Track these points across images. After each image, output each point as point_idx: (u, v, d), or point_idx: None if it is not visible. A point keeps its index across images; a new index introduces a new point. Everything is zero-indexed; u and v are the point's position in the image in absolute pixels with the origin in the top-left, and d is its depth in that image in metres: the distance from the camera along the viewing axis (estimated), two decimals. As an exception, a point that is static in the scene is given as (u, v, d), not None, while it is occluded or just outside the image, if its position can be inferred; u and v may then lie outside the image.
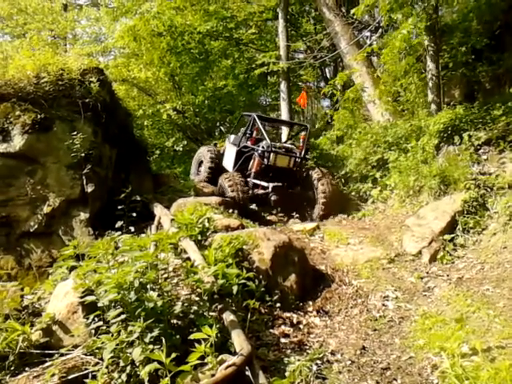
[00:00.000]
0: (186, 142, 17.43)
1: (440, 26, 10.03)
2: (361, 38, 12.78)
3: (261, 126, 10.05)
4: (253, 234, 5.63)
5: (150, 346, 3.34)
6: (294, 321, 4.77)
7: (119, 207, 6.46)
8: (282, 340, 4.34)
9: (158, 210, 7.07)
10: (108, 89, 8.34)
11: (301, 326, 4.71)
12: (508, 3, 9.79)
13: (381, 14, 9.63)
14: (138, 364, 3.31)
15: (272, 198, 9.20)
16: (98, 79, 7.63)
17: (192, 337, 3.46)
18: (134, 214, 6.56)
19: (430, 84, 9.61)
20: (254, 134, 10.61)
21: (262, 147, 9.70)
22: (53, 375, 3.53)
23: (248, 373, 3.31)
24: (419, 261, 6.41)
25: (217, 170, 11.03)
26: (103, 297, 3.72)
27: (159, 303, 3.65)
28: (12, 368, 3.78)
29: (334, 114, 12.08)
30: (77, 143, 6.89)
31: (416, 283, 5.77)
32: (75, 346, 3.93)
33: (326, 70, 21.24)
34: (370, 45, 11.82)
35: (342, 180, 10.06)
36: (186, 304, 4.02)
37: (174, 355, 3.18)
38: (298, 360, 3.84)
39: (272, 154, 9.38)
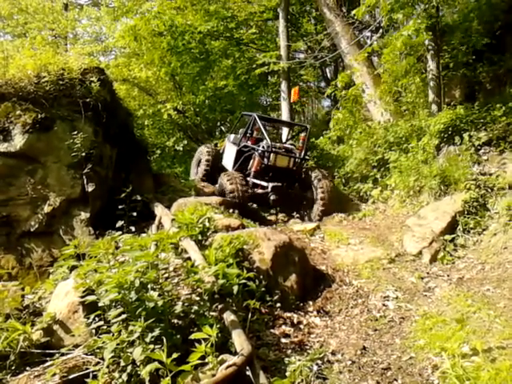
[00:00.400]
0: (186, 142, 17.44)
1: (441, 26, 10.03)
2: (361, 38, 12.79)
3: (261, 126, 10.06)
4: (253, 233, 5.63)
5: (151, 346, 3.35)
6: (295, 321, 4.77)
7: (120, 207, 6.47)
8: (283, 340, 4.33)
9: (159, 209, 7.07)
10: (109, 88, 8.34)
11: (301, 326, 4.71)
12: (508, 3, 9.79)
13: (381, 14, 9.63)
14: (138, 364, 3.32)
15: (271, 198, 9.25)
16: (99, 79, 7.64)
17: (193, 336, 3.46)
18: (135, 214, 6.57)
19: (431, 84, 9.61)
20: (255, 134, 10.64)
21: (263, 147, 9.73)
22: (54, 375, 3.54)
23: (249, 373, 3.32)
24: (420, 261, 6.42)
25: (214, 169, 11.12)
26: (104, 296, 3.72)
27: (160, 303, 3.65)
28: (13, 367, 3.79)
29: (334, 114, 12.07)
30: (77, 143, 6.90)
31: (416, 283, 5.77)
32: (76, 346, 3.94)
33: (327, 70, 21.27)
34: (371, 45, 11.80)
35: (343, 180, 10.07)
36: (186, 304, 4.02)
37: (174, 355, 3.18)
38: (299, 360, 3.84)
39: (272, 154, 9.42)
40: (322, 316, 5.02)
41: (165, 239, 4.49)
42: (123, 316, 3.59)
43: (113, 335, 3.53)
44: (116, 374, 3.40)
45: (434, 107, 9.47)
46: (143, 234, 5.86)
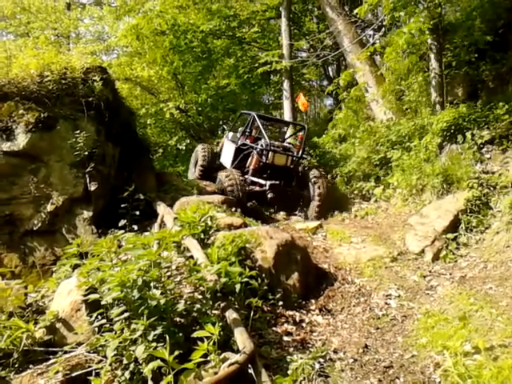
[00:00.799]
0: (188, 141, 17.47)
1: (443, 25, 10.00)
2: (364, 36, 12.77)
3: (260, 125, 10.13)
4: (255, 232, 5.63)
5: (154, 344, 3.36)
6: (297, 319, 4.78)
7: (122, 205, 6.48)
8: (285, 338, 4.34)
9: (161, 208, 7.08)
10: (111, 87, 8.35)
11: (303, 325, 4.72)
12: (511, 2, 9.76)
13: (384, 12, 9.61)
14: (141, 362, 3.33)
15: (269, 196, 9.33)
16: (101, 78, 7.65)
17: (195, 335, 3.47)
18: (137, 213, 6.59)
19: (433, 83, 9.59)
20: (254, 133, 10.77)
21: (261, 145, 9.84)
22: (57, 372, 3.55)
23: (251, 371, 3.32)
24: (422, 259, 6.41)
25: (210, 167, 11.34)
26: (106, 295, 3.73)
27: (162, 301, 3.66)
28: (16, 365, 3.80)
29: (337, 112, 12.07)
30: (80, 142, 6.92)
31: (419, 282, 5.77)
32: (79, 344, 3.95)
33: (329, 69, 21.24)
34: (373, 44, 11.78)
35: (345, 178, 10.06)
36: (188, 302, 4.03)
37: (177, 353, 3.19)
38: (301, 358, 3.85)
39: (270, 153, 9.53)
40: (324, 314, 5.03)
41: (167, 238, 4.50)
42: (126, 314, 3.60)
43: (115, 333, 3.54)
44: (119, 372, 3.41)
45: (437, 106, 9.45)
46: (146, 233, 5.86)
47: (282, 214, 9.26)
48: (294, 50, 16.16)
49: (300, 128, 11.55)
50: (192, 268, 4.39)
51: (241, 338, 3.52)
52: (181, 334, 3.58)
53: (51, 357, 3.85)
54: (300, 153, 9.93)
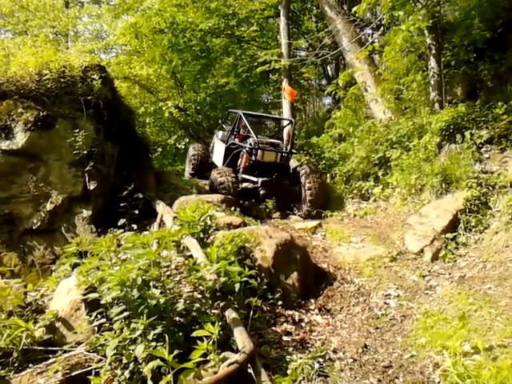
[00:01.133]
0: (187, 140, 17.45)
1: (442, 24, 10.00)
2: (363, 35, 12.75)
3: (247, 124, 10.21)
4: (255, 231, 5.64)
5: (153, 343, 3.36)
6: (296, 319, 4.79)
7: (121, 205, 6.47)
8: (284, 338, 4.35)
9: (161, 207, 7.08)
10: (110, 86, 8.34)
11: (303, 324, 4.73)
12: (510, 1, 9.76)
13: (383, 11, 9.60)
14: (140, 361, 3.33)
15: (261, 193, 9.47)
16: (100, 76, 7.64)
17: (194, 334, 3.48)
18: (137, 212, 6.58)
19: (432, 82, 9.59)
20: (242, 132, 10.93)
21: (250, 144, 9.96)
22: (56, 372, 3.56)
23: (250, 370, 3.33)
24: (421, 259, 6.41)
25: (202, 166, 11.59)
26: (106, 294, 3.73)
27: (162, 300, 3.66)
28: (16, 364, 3.80)
29: (334, 113, 12.05)
30: (79, 140, 6.91)
31: (418, 281, 5.77)
32: (78, 343, 3.96)
33: (328, 68, 21.23)
34: (372, 43, 11.77)
35: (344, 178, 10.06)
36: (188, 301, 4.03)
37: (176, 352, 3.19)
38: (300, 358, 3.86)
39: (259, 151, 9.64)
40: (323, 314, 5.04)
41: (167, 237, 4.50)
42: (125, 314, 3.60)
43: (115, 333, 3.54)
44: (118, 371, 3.41)
45: (436, 105, 9.45)
46: (145, 232, 5.86)
47: (275, 213, 9.24)
48: (292, 49, 16.13)
49: (287, 123, 11.65)
50: (191, 267, 4.40)
51: (240, 337, 3.52)
52: (180, 334, 3.58)
53: (51, 356, 3.86)
54: (289, 148, 10.07)
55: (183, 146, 16.67)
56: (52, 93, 7.17)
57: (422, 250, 6.52)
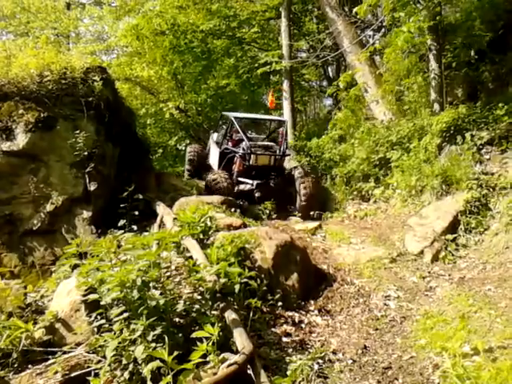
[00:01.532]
0: (188, 141, 17.46)
1: (443, 26, 10.01)
2: (363, 37, 12.77)
3: (239, 128, 10.27)
4: (255, 232, 5.64)
5: (153, 344, 3.36)
6: (296, 320, 4.78)
7: (122, 206, 6.48)
8: (284, 339, 4.35)
9: (161, 208, 7.09)
10: (111, 87, 8.36)
11: (303, 325, 4.72)
12: (511, 3, 9.76)
13: (384, 13, 9.61)
14: (140, 362, 3.33)
15: (256, 195, 9.61)
16: (101, 78, 7.66)
17: (194, 335, 3.48)
18: (137, 213, 6.60)
19: (433, 83, 9.60)
20: (234, 136, 11.00)
21: (243, 149, 10.05)
22: (56, 373, 3.56)
23: (250, 371, 3.33)
24: (421, 260, 6.41)
25: (200, 167, 11.67)
26: (106, 295, 3.73)
27: (162, 301, 3.66)
28: (15, 365, 3.81)
29: (336, 113, 12.07)
30: (80, 142, 6.93)
31: (418, 283, 5.77)
32: (78, 344, 3.96)
33: (329, 69, 21.21)
34: (373, 44, 11.78)
35: (344, 179, 10.07)
36: (188, 302, 4.03)
37: (176, 353, 3.20)
38: (300, 359, 3.85)
39: (252, 155, 9.76)
40: (323, 315, 5.03)
41: (167, 238, 4.50)
42: (125, 314, 3.60)
43: (115, 334, 3.54)
44: (118, 372, 3.41)
45: (436, 106, 9.45)
46: (145, 233, 5.86)
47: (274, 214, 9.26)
48: (293, 51, 16.12)
49: (280, 124, 11.70)
50: (191, 268, 4.40)
51: (240, 338, 3.52)
52: (180, 335, 3.59)
53: (50, 357, 3.86)
54: (282, 150, 10.16)
55: (184, 148, 16.68)
56: (53, 94, 7.19)
57: (422, 252, 6.52)
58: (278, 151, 10.18)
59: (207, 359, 3.36)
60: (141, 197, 6.83)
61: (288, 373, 3.66)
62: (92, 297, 3.93)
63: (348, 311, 5.17)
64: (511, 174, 6.92)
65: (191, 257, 4.81)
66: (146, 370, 3.21)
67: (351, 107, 11.70)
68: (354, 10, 9.65)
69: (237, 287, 4.26)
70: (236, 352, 3.44)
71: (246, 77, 17.80)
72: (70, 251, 4.62)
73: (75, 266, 4.77)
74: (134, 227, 6.43)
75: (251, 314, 4.18)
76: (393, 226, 7.67)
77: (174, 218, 6.06)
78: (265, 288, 4.75)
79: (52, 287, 5.02)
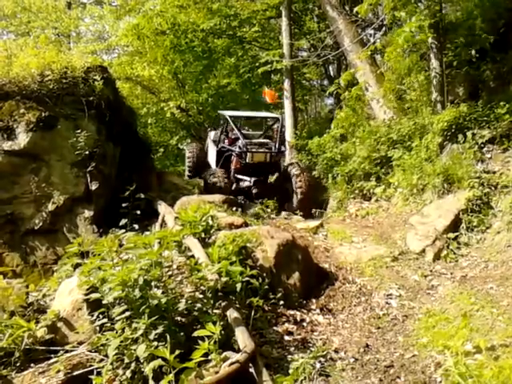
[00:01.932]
0: (189, 140, 17.47)
1: (444, 24, 9.98)
2: (364, 36, 12.74)
3: (234, 127, 10.37)
4: (256, 231, 5.64)
5: (155, 343, 3.36)
6: (298, 318, 4.78)
7: (123, 205, 6.48)
8: (286, 337, 4.34)
9: (162, 207, 7.09)
10: (112, 87, 8.37)
11: (304, 324, 4.72)
12: (512, 1, 9.74)
13: (384, 12, 9.60)
14: (142, 361, 3.33)
15: (253, 191, 9.86)
16: (102, 77, 7.66)
17: (196, 334, 3.47)
18: (138, 212, 6.60)
19: (434, 82, 9.58)
20: (230, 134, 11.18)
21: (239, 147, 10.25)
22: (58, 371, 3.56)
23: (252, 370, 3.33)
24: (423, 259, 6.40)
25: (199, 166, 11.75)
26: (108, 294, 3.73)
27: (163, 300, 3.66)
28: (18, 364, 3.80)
29: (337, 113, 12.04)
30: (81, 141, 6.93)
31: (420, 281, 5.77)
32: (80, 343, 3.96)
33: (330, 68, 21.17)
34: (374, 43, 11.76)
35: (346, 178, 10.06)
36: (189, 301, 4.02)
37: (177, 352, 3.20)
38: (302, 357, 3.85)
39: (248, 153, 9.96)
40: (325, 314, 5.03)
41: (168, 237, 4.49)
42: (127, 313, 3.60)
43: (116, 332, 3.54)
44: (120, 371, 3.41)
45: (438, 105, 9.43)
46: (147, 232, 5.87)
47: (285, 214, 9.29)
48: (294, 50, 16.11)
49: (274, 120, 11.72)
50: (193, 267, 4.40)
51: (242, 337, 3.52)
52: (182, 334, 3.59)
53: (52, 356, 3.86)
54: (277, 146, 10.36)
55: (185, 147, 16.71)
56: (54, 93, 7.20)
57: (423, 250, 6.51)
58: (273, 148, 10.31)
59: (209, 358, 3.36)
60: (142, 196, 6.84)
61: (290, 371, 3.66)
62: (94, 296, 3.93)
63: (350, 310, 5.16)
64: (513, 173, 6.91)
65: (193, 256, 4.81)
66: (147, 369, 3.21)
67: (352, 106, 11.68)
68: (355, 9, 9.65)
69: (238, 286, 4.26)
70: (238, 351, 3.44)
71: (246, 76, 17.81)
72: (72, 250, 4.62)
73: (77, 266, 4.77)
74: (136, 226, 6.44)
75: (253, 313, 4.17)
76: (394, 225, 7.66)
77: (176, 217, 6.06)
78: (266, 287, 4.74)
79: (54, 286, 5.03)
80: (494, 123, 7.63)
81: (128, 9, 17.29)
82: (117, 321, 3.62)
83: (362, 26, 12.91)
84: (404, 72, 10.72)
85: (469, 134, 7.66)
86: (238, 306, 4.17)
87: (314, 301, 5.25)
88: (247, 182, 10.17)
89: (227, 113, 11.23)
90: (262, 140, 10.99)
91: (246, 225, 6.50)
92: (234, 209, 7.65)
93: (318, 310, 5.06)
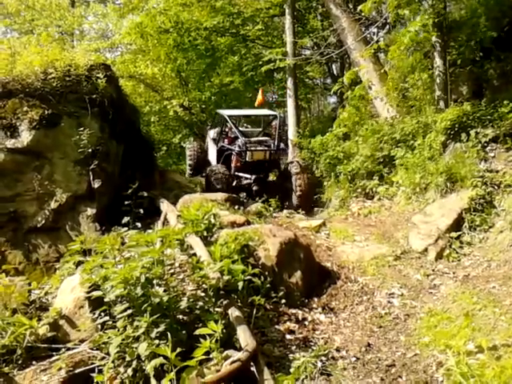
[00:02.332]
0: (192, 139, 17.47)
1: (448, 23, 9.95)
2: (368, 34, 12.71)
3: (233, 126, 10.47)
4: (258, 230, 5.64)
5: (156, 341, 3.36)
6: (300, 317, 4.78)
7: (126, 203, 6.49)
8: (287, 336, 4.34)
9: (165, 205, 7.10)
10: (115, 85, 8.37)
11: (306, 323, 4.72)
12: (517, 0, 9.70)
13: (388, 10, 9.57)
14: (143, 359, 3.33)
15: (254, 189, 10.00)
16: (105, 75, 7.67)
17: (197, 332, 3.48)
18: (141, 210, 6.60)
19: (438, 81, 9.55)
20: (230, 133, 11.27)
21: (239, 146, 10.33)
22: (60, 369, 3.57)
23: (253, 368, 3.33)
24: (425, 258, 6.38)
25: (200, 164, 12.02)
26: (110, 292, 3.74)
27: (165, 298, 3.67)
28: (20, 361, 3.81)
29: (340, 112, 12.02)
30: (84, 139, 6.94)
31: (422, 280, 5.75)
32: (82, 341, 3.97)
33: (333, 67, 21.17)
34: (377, 41, 11.74)
35: (349, 177, 10.04)
36: (191, 299, 4.03)
37: (179, 350, 3.21)
38: (303, 356, 3.85)
39: (248, 152, 10.06)
40: (326, 313, 5.03)
41: (170, 235, 4.49)
42: (129, 311, 3.61)
43: (118, 330, 3.55)
44: (121, 369, 3.42)
45: (441, 104, 9.41)
46: (149, 230, 5.87)
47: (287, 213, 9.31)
48: (297, 48, 16.06)
49: (272, 118, 11.74)
50: (195, 265, 4.40)
51: (243, 335, 3.52)
52: (183, 332, 3.58)
53: (54, 353, 3.88)
54: (276, 144, 10.43)
55: (186, 145, 16.75)
56: (57, 91, 7.20)
57: (426, 249, 6.49)
58: (272, 145, 10.42)
59: (210, 356, 3.36)
60: (145, 194, 6.84)
61: (291, 370, 3.66)
62: (96, 294, 3.93)
63: (352, 309, 5.16)
64: (516, 172, 6.88)
65: (195, 254, 4.81)
66: (149, 367, 3.22)
67: (356, 105, 11.66)
68: (359, 7, 9.64)
69: (240, 284, 4.27)
70: (239, 349, 3.45)
71: (250, 74, 17.78)
72: (74, 248, 4.62)
73: (79, 263, 4.79)
74: (138, 224, 6.45)
75: (254, 312, 4.18)
76: (397, 224, 7.65)
77: (178, 216, 6.06)
78: (268, 285, 4.74)
79: (56, 284, 5.04)
80: (497, 122, 7.60)
81: (131, 7, 17.25)
82: (118, 319, 3.62)
83: (366, 24, 12.90)
84: (407, 70, 10.69)
85: (472, 132, 7.63)
86: (239, 304, 4.18)
87: (315, 299, 5.25)
88: (248, 179, 10.29)
89: (225, 112, 11.27)
90: (260, 138, 11.06)
91: (248, 223, 6.49)
92: (236, 207, 7.64)
93: (319, 309, 5.06)
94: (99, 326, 3.94)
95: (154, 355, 3.26)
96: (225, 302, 4.06)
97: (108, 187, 7.24)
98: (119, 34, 17.66)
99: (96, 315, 3.98)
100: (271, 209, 8.64)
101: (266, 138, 10.90)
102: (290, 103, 14.26)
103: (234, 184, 10.08)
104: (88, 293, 4.10)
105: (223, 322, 3.64)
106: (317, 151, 11.23)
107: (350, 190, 9.83)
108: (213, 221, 5.65)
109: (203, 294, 4.23)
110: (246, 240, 5.17)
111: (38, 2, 19.50)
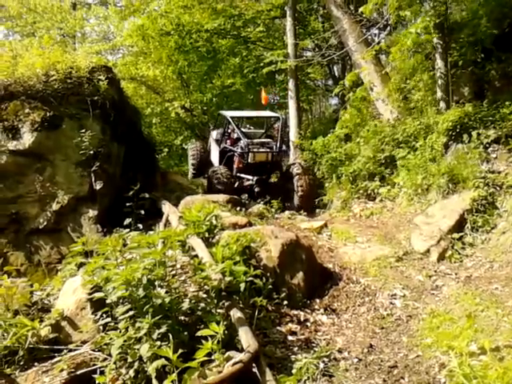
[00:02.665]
0: (194, 140, 17.49)
1: (449, 24, 9.94)
2: (369, 35, 12.70)
3: (235, 127, 10.61)
4: (260, 231, 5.63)
5: (158, 343, 3.35)
6: (302, 318, 4.77)
7: (127, 204, 6.49)
8: (289, 337, 4.34)
9: (166, 207, 7.10)
10: (116, 87, 8.39)
11: (308, 324, 4.71)
12: (518, 1, 9.69)
13: (389, 11, 9.56)
14: (145, 360, 3.32)
15: (256, 190, 10.05)
16: (107, 77, 7.69)
17: (199, 333, 3.47)
18: (142, 212, 6.60)
19: (439, 82, 9.54)
20: (232, 135, 11.31)
21: (241, 147, 10.39)
22: (61, 370, 3.57)
23: (255, 370, 3.32)
24: (427, 259, 6.38)
25: (202, 165, 12.01)
26: (111, 293, 3.73)
27: (167, 300, 3.66)
28: (21, 363, 3.81)
29: (342, 114, 12.02)
30: (85, 141, 6.95)
31: (424, 282, 5.74)
32: (83, 342, 3.97)
33: (334, 68, 21.17)
34: (379, 43, 11.74)
35: (350, 178, 10.04)
36: (193, 301, 4.02)
37: (181, 351, 3.19)
38: (305, 357, 3.84)
39: (250, 154, 10.09)
40: (328, 314, 5.02)
41: (172, 237, 4.49)
42: (130, 313, 3.60)
43: (120, 332, 3.55)
44: (123, 370, 3.42)
45: (443, 105, 9.39)
46: (151, 232, 5.87)
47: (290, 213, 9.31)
48: (299, 50, 16.06)
49: (275, 120, 11.78)
50: (197, 267, 4.40)
51: (245, 337, 3.52)
52: (185, 333, 3.58)
53: (56, 355, 3.87)
54: (278, 145, 10.50)
55: (188, 147, 16.77)
56: (59, 93, 7.22)
57: (428, 250, 6.48)
58: (274, 147, 10.48)
59: (212, 357, 3.35)
60: (146, 196, 6.85)
61: (293, 371, 3.66)
62: (98, 295, 3.93)
63: (354, 310, 5.15)
64: (518, 173, 6.87)
65: (196, 255, 4.81)
66: (151, 368, 3.21)
67: (357, 106, 11.66)
68: (360, 8, 9.63)
69: (242, 286, 4.25)
70: (241, 350, 3.44)
71: (251, 76, 17.79)
72: (76, 250, 4.62)
73: (81, 265, 4.79)
74: (140, 226, 6.44)
75: (256, 313, 4.18)
76: (399, 225, 7.64)
77: (180, 217, 6.06)
78: (270, 287, 4.73)
79: (58, 285, 5.04)
80: (499, 123, 7.59)
81: (133, 9, 17.29)
82: (120, 320, 3.62)
83: (367, 26, 12.90)
84: (409, 72, 10.69)
85: (474, 133, 7.62)
86: (241, 305, 4.18)
87: (317, 301, 5.25)
88: (250, 180, 10.34)
89: (228, 113, 11.30)
90: (263, 139, 11.13)
91: (249, 224, 6.49)
92: (238, 208, 7.64)
93: (321, 310, 5.06)
94: (101, 328, 3.94)
95: (156, 356, 3.25)
96: (227, 304, 4.05)
97: (109, 189, 7.25)
98: (120, 36, 17.72)
99: (98, 316, 3.98)
100: (273, 210, 8.64)
101: (269, 140, 10.96)
102: (292, 105, 14.26)
103: (235, 185, 10.10)
104: (90, 294, 4.09)
105: (225, 323, 3.63)
106: (318, 152, 11.23)
107: (351, 192, 9.81)
108: (214, 222, 5.65)
109: (205, 296, 4.22)
110: (247, 241, 5.17)
111: (40, 4, 19.58)
